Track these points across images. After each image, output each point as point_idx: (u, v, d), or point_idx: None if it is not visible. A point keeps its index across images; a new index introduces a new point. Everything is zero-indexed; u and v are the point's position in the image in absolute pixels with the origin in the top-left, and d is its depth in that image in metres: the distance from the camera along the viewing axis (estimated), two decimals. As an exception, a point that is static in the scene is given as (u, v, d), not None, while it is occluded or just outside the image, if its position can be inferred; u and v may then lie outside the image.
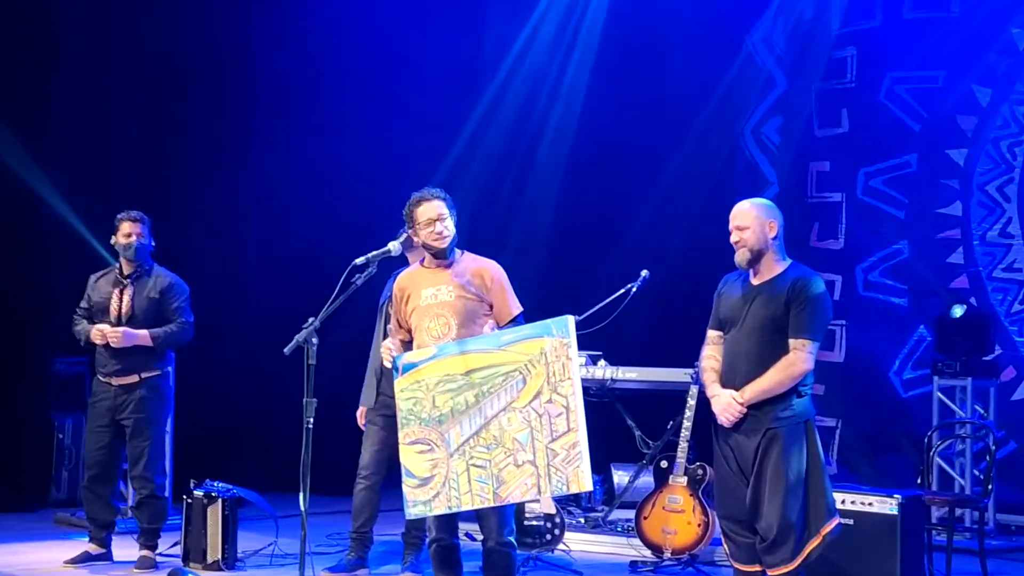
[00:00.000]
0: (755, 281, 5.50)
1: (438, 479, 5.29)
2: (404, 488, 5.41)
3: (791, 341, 5.35)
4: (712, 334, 5.65)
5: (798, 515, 5.33)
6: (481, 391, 5.22)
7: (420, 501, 5.35)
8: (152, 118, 10.16)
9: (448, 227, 5.66)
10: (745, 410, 5.36)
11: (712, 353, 5.62)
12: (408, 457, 5.38)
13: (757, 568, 5.47)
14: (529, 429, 5.11)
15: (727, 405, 5.39)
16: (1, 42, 9.47)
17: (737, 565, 5.54)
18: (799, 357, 5.32)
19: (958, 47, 9.86)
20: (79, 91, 9.74)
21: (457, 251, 5.78)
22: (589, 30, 11.00)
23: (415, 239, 5.78)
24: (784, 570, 5.35)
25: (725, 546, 5.65)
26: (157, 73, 10.18)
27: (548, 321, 5.22)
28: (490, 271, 5.72)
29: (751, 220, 5.45)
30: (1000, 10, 9.70)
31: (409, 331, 5.75)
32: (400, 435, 5.44)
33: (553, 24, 11.12)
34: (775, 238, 5.47)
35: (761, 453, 5.36)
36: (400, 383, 5.44)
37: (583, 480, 5.06)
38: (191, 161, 10.33)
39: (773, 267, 5.48)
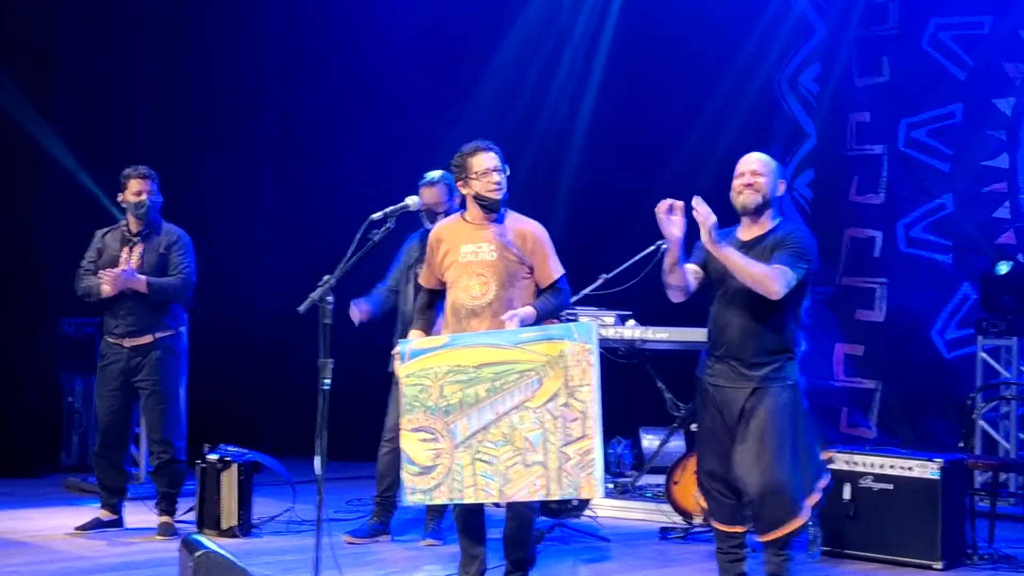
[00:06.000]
0: (744, 237, 5.55)
1: (440, 469, 5.38)
2: (403, 475, 5.50)
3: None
4: (690, 267, 5.59)
5: (789, 478, 5.39)
6: (493, 386, 5.30)
7: (420, 489, 5.44)
8: (160, 69, 10.20)
9: (504, 182, 5.72)
10: (712, 215, 5.28)
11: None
12: (410, 444, 5.46)
13: (739, 529, 5.58)
14: (542, 430, 5.21)
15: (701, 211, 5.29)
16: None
17: (718, 524, 5.63)
18: (780, 274, 5.29)
19: (1007, -9, 9.85)
20: (85, 42, 9.75)
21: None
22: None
23: (463, 190, 5.82)
24: (778, 534, 5.42)
25: (704, 503, 5.73)
26: (164, 22, 10.19)
27: (571, 325, 5.42)
28: (533, 233, 5.78)
29: (769, 170, 5.58)
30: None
31: (442, 282, 5.84)
32: (402, 421, 5.51)
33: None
34: (779, 196, 5.60)
35: (749, 411, 5.42)
36: (406, 368, 5.49)
37: (595, 487, 5.19)
38: (200, 113, 10.36)
39: (766, 223, 5.56)
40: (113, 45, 9.95)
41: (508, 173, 5.78)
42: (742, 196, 5.53)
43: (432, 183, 7.23)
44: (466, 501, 5.44)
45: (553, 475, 5.19)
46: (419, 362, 5.48)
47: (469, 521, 5.76)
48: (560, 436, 5.18)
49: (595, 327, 5.30)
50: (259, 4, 10.74)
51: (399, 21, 10.91)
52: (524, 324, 5.52)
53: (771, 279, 5.29)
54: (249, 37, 10.70)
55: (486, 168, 5.68)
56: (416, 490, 5.46)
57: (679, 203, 5.36)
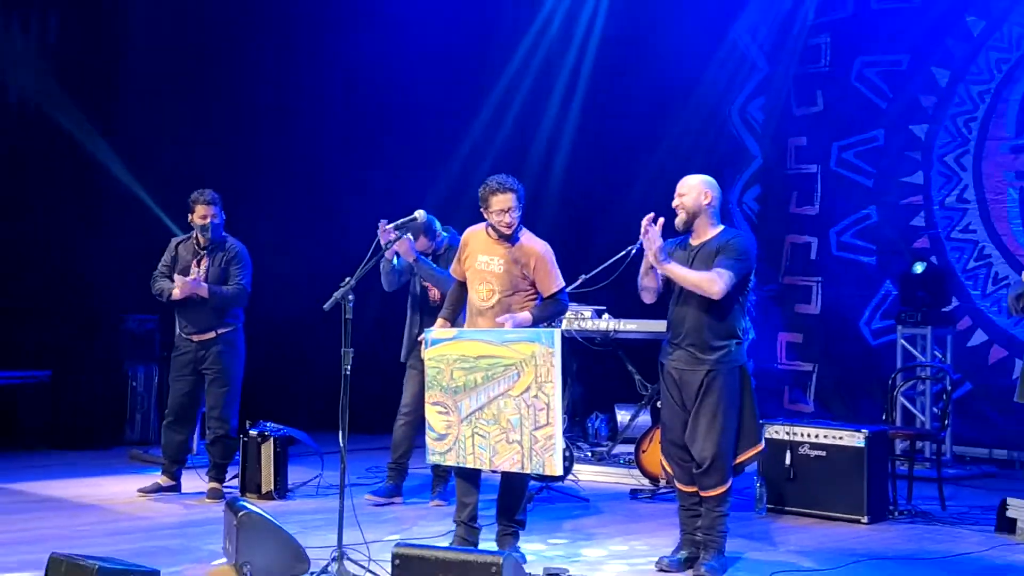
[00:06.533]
0: (694, 242, 5.64)
1: (451, 438, 5.59)
2: (427, 439, 5.70)
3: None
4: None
5: (727, 446, 5.51)
6: (487, 375, 5.46)
7: (437, 452, 5.67)
8: (206, 100, 10.15)
9: (515, 219, 5.81)
10: (659, 237, 5.42)
11: None
12: (431, 415, 5.66)
13: (695, 489, 5.63)
14: (520, 415, 5.37)
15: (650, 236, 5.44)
16: (75, 35, 9.46)
17: (680, 486, 5.71)
18: (717, 276, 5.39)
19: (920, 34, 9.83)
20: (144, 82, 9.72)
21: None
22: (593, 26, 10.96)
23: (484, 214, 5.89)
24: (716, 492, 5.54)
25: (668, 468, 5.81)
26: (209, 61, 10.16)
27: (540, 331, 5.51)
28: (538, 252, 5.85)
29: (689, 188, 5.62)
30: (956, 1, 9.66)
31: (464, 276, 5.98)
32: (426, 395, 5.71)
33: (560, 18, 11.09)
34: (709, 204, 5.59)
35: (704, 391, 5.50)
36: (428, 353, 5.70)
37: (555, 467, 5.37)
38: (239, 139, 10.31)
39: (708, 230, 5.60)
40: (168, 80, 9.91)
41: (521, 206, 5.84)
42: (676, 219, 5.63)
43: (416, 234, 6.98)
44: (467, 466, 5.61)
45: (527, 453, 5.35)
46: (437, 349, 5.64)
47: (466, 471, 5.80)
48: (531, 421, 5.32)
49: (559, 334, 5.37)
50: (287, 37, 10.63)
51: (416, 58, 10.77)
52: (519, 326, 5.60)
53: (710, 282, 5.39)
54: (278, 69, 10.62)
55: (501, 209, 5.77)
56: (434, 452, 5.67)
57: (661, 219, 5.47)
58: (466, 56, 10.95)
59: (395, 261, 6.99)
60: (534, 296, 5.86)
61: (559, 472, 5.52)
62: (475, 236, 5.97)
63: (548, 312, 5.83)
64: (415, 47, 10.75)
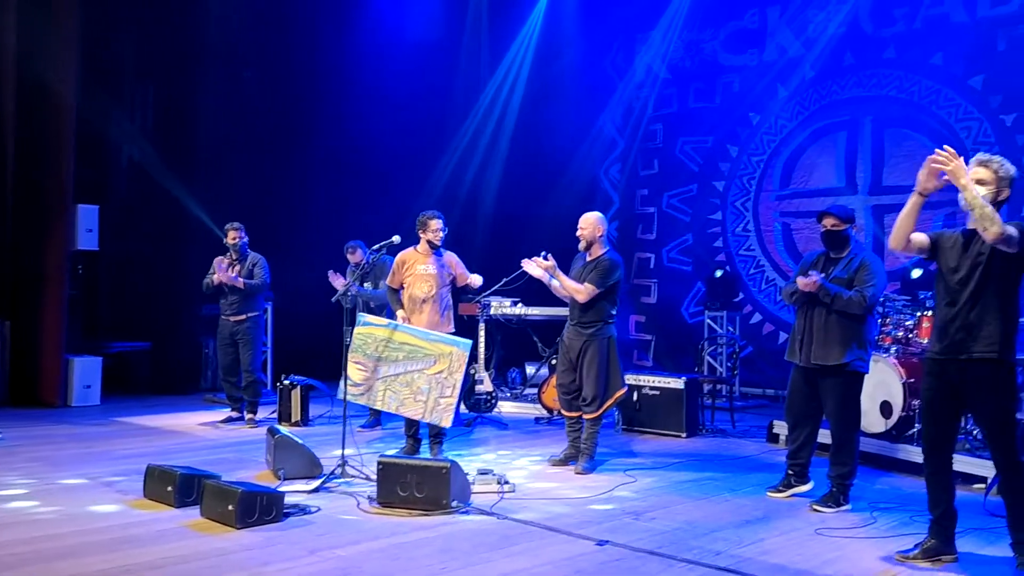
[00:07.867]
0: (589, 258, 5.60)
1: (365, 387, 5.35)
2: (343, 383, 5.48)
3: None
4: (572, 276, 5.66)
5: (602, 387, 5.50)
6: (407, 355, 5.27)
7: (352, 394, 5.37)
8: (253, 161, 9.92)
9: (444, 234, 5.83)
10: (548, 263, 5.47)
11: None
12: (351, 369, 5.39)
13: (576, 414, 5.65)
14: (429, 386, 5.20)
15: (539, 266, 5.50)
16: (166, 109, 9.12)
17: (566, 412, 5.73)
18: (586, 289, 5.45)
19: (719, 123, 9.94)
20: (212, 146, 9.42)
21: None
22: (512, 112, 10.87)
23: (422, 235, 5.82)
24: (593, 416, 5.53)
25: (560, 401, 5.77)
26: (256, 135, 9.90)
27: (459, 340, 5.29)
28: (454, 258, 5.92)
29: (588, 223, 5.59)
30: (742, 102, 9.79)
31: (402, 284, 5.84)
32: (349, 356, 5.41)
33: (499, 107, 10.97)
34: (601, 235, 5.59)
35: (583, 352, 5.51)
36: (358, 329, 5.43)
37: (447, 422, 5.20)
38: (276, 187, 10.09)
39: (598, 251, 5.58)
40: (232, 144, 9.57)
41: (447, 229, 5.85)
42: (580, 244, 5.60)
43: (354, 251, 7.28)
44: (375, 407, 5.42)
45: (428, 409, 5.21)
46: (366, 328, 5.41)
47: (409, 422, 5.79)
48: (438, 392, 5.19)
49: (470, 344, 5.26)
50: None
51: (391, 141, 10.58)
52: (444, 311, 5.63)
53: (579, 294, 5.44)
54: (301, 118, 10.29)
55: (435, 228, 5.78)
56: (352, 393, 5.38)
57: (533, 260, 5.50)
58: (427, 132, 10.75)
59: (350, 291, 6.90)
60: (451, 287, 5.87)
61: (449, 426, 5.31)
62: (409, 255, 5.86)
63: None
64: (392, 130, 10.54)
